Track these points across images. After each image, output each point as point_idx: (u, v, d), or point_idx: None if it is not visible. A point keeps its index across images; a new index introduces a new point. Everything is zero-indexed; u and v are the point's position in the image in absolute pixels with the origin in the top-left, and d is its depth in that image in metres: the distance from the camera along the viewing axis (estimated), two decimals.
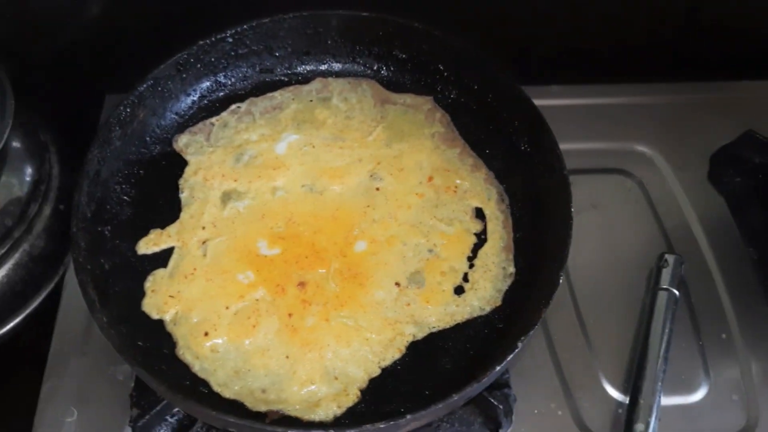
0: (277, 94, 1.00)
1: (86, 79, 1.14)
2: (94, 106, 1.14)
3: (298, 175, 0.93)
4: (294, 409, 0.75)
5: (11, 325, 0.99)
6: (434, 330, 0.82)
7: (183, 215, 0.89)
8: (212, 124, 0.97)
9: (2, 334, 0.98)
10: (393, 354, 0.80)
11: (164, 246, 0.87)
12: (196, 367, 0.78)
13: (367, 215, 0.89)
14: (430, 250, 0.87)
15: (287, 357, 0.79)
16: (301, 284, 0.83)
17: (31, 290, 1.01)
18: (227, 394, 0.76)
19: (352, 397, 0.77)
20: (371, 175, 0.93)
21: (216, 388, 0.76)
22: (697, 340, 0.92)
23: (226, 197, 0.91)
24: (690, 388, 0.89)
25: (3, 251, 0.96)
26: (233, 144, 0.95)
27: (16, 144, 1.01)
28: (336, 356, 0.79)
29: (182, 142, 0.95)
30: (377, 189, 0.91)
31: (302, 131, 0.97)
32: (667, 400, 0.85)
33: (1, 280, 0.97)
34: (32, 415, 0.85)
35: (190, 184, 0.92)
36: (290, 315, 0.81)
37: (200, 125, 0.97)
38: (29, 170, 1.02)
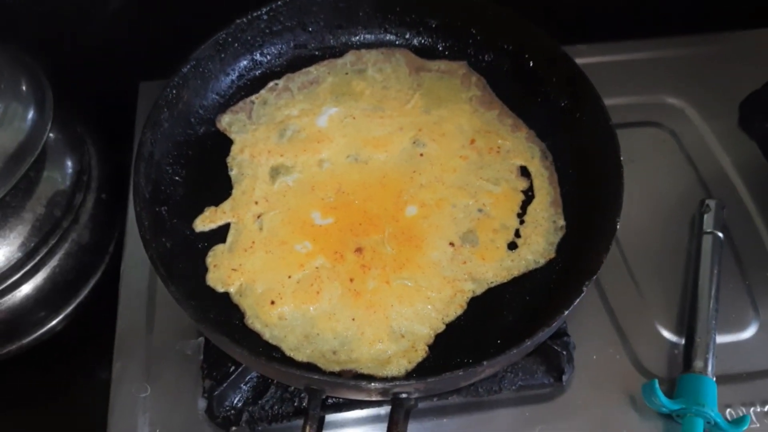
0: (312, 68, 1.02)
1: (119, 69, 1.15)
2: (127, 95, 1.15)
3: (342, 147, 0.94)
4: (366, 368, 0.77)
5: (65, 313, 1.01)
6: (492, 285, 0.84)
7: (235, 192, 0.91)
8: (252, 102, 0.99)
9: (58, 322, 1.01)
10: (455, 310, 0.82)
11: (220, 222, 0.89)
12: (267, 335, 0.80)
13: (414, 180, 0.91)
14: (480, 210, 0.89)
15: (353, 319, 0.81)
16: (359, 250, 0.85)
17: (82, 280, 1.03)
18: (300, 357, 0.78)
19: (420, 353, 0.79)
20: (414, 142, 0.94)
21: (288, 353, 0.79)
22: (744, 280, 0.95)
23: (275, 172, 0.92)
24: (741, 326, 0.91)
25: (54, 241, 0.98)
26: (275, 120, 0.97)
27: (55, 137, 1.03)
28: (400, 315, 0.81)
29: (225, 121, 0.97)
30: (421, 155, 0.93)
31: (341, 104, 0.98)
32: (720, 339, 0.88)
33: (54, 270, 0.99)
34: (106, 398, 0.87)
35: (237, 162, 0.94)
36: (351, 280, 0.83)
37: (240, 104, 0.98)
38: (69, 162, 1.04)
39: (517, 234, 0.88)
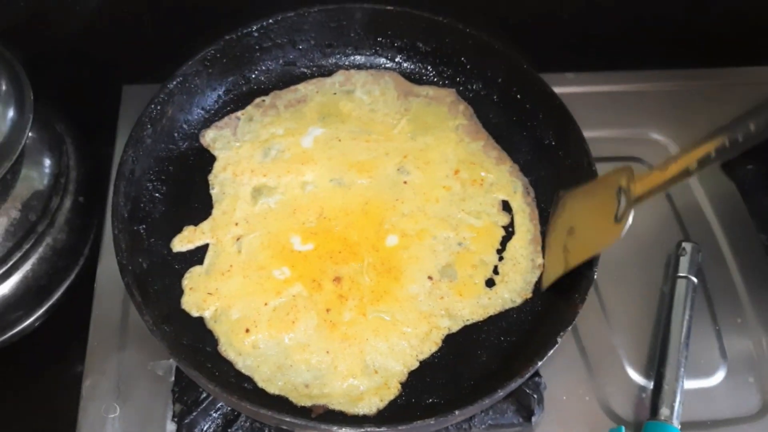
0: (300, 86, 1.01)
1: (102, 69, 1.13)
2: (110, 96, 1.14)
3: (326, 170, 0.94)
4: (338, 403, 0.77)
5: (36, 315, 1.00)
6: (468, 323, 0.84)
7: (215, 211, 0.90)
8: (238, 118, 0.98)
9: (27, 325, 1.00)
10: (430, 347, 0.82)
11: (199, 243, 0.88)
12: (240, 364, 0.80)
13: (397, 209, 0.91)
14: (460, 244, 0.89)
15: (327, 352, 0.81)
16: (337, 279, 0.85)
17: (55, 283, 1.02)
18: (272, 389, 0.78)
19: (393, 390, 0.79)
20: (398, 169, 0.94)
21: (261, 384, 0.78)
22: (714, 325, 0.96)
23: (257, 193, 0.92)
24: (709, 372, 0.93)
25: (28, 246, 0.97)
26: (260, 138, 0.96)
27: (34, 136, 1.01)
28: (375, 350, 0.81)
29: (209, 137, 0.96)
30: (405, 182, 0.93)
31: (328, 125, 0.98)
32: (688, 384, 0.89)
33: (27, 275, 0.98)
34: (71, 404, 0.86)
35: (219, 180, 0.93)
36: (328, 310, 0.83)
37: (226, 119, 0.97)
38: (48, 162, 1.02)
39: (495, 270, 0.88)
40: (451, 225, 0.90)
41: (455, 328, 0.84)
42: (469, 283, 0.87)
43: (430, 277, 0.86)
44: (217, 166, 0.94)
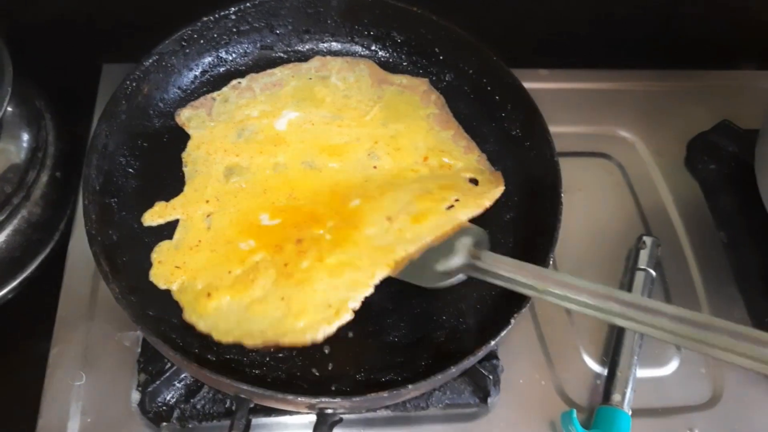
0: (276, 71, 1.03)
1: (82, 48, 1.15)
2: (90, 75, 1.15)
3: (298, 152, 0.95)
4: (288, 338, 0.79)
5: (9, 288, 1.01)
6: (424, 243, 0.83)
7: (187, 188, 0.92)
8: (213, 99, 0.99)
9: (0, 297, 1.01)
10: (382, 270, 0.81)
11: (169, 218, 0.89)
12: (200, 325, 0.81)
13: (365, 189, 0.91)
14: (425, 190, 0.90)
15: (282, 299, 0.81)
16: (299, 241, 0.85)
17: (29, 256, 1.03)
18: (228, 339, 0.79)
19: (343, 315, 0.79)
20: (369, 154, 0.96)
21: (217, 338, 0.79)
22: None
23: (229, 172, 0.93)
24: (662, 362, 0.95)
25: (2, 218, 0.98)
26: (234, 119, 0.97)
27: (12, 110, 1.02)
28: (329, 286, 0.81)
29: (184, 116, 0.97)
30: (374, 167, 0.95)
31: (302, 109, 0.99)
32: (641, 373, 0.92)
33: (0, 246, 0.99)
34: (40, 377, 0.88)
35: (193, 158, 0.94)
36: (286, 264, 0.83)
37: (202, 100, 0.99)
38: (26, 137, 1.04)
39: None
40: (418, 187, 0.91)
41: (412, 249, 0.82)
42: (428, 211, 0.86)
43: (389, 218, 0.86)
44: (190, 144, 0.95)
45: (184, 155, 0.95)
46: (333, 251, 0.84)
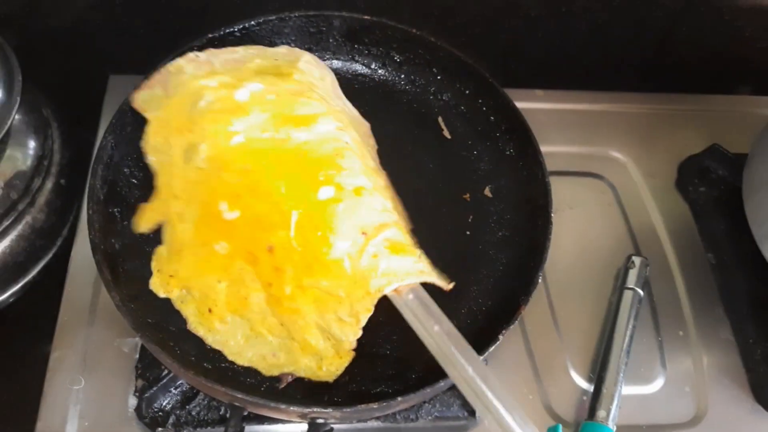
0: (240, 48, 0.95)
1: (90, 58, 1.18)
2: (97, 85, 1.18)
3: (259, 121, 0.84)
4: (303, 371, 0.81)
5: (11, 292, 1.03)
6: (402, 283, 0.77)
7: (158, 183, 0.87)
8: (168, 72, 0.91)
9: (2, 301, 1.03)
10: (365, 314, 0.78)
11: (154, 222, 0.87)
12: (209, 340, 0.82)
13: (335, 163, 0.82)
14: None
15: (282, 324, 0.82)
16: (270, 249, 0.79)
17: (32, 261, 1.05)
18: (242, 361, 0.81)
19: (346, 358, 0.81)
20: (338, 128, 0.87)
21: (230, 357, 0.81)
22: (656, 336, 1.01)
23: (187, 155, 0.85)
24: (648, 380, 0.97)
25: (7, 223, 1.00)
26: (189, 91, 0.88)
27: (20, 118, 1.05)
28: (322, 320, 0.80)
29: (141, 98, 0.90)
30: (346, 143, 0.85)
31: (267, 82, 0.89)
32: (627, 390, 0.94)
33: (4, 251, 1.01)
34: (40, 380, 0.90)
35: (152, 146, 0.88)
36: (270, 285, 0.80)
37: (156, 75, 0.91)
38: (33, 145, 1.06)
39: None
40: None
41: (388, 290, 0.77)
42: (406, 241, 0.80)
43: (363, 233, 0.79)
44: (148, 131, 0.88)
45: (143, 144, 0.88)
46: (309, 275, 0.78)
